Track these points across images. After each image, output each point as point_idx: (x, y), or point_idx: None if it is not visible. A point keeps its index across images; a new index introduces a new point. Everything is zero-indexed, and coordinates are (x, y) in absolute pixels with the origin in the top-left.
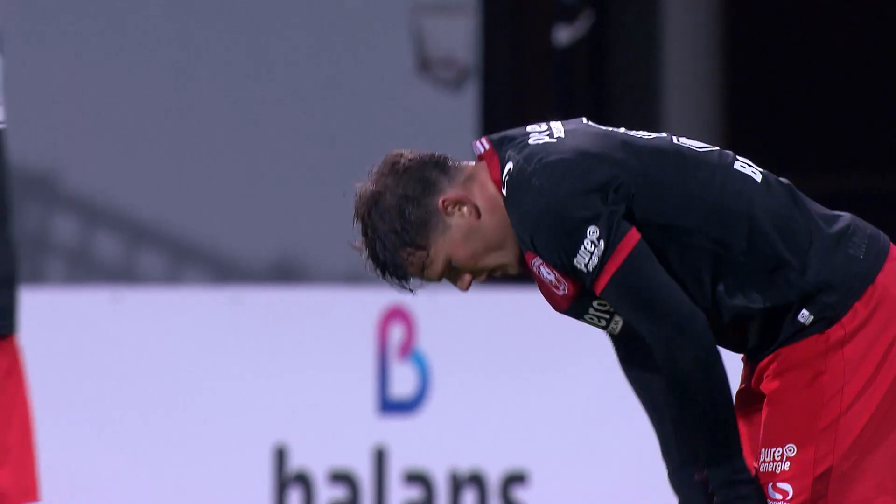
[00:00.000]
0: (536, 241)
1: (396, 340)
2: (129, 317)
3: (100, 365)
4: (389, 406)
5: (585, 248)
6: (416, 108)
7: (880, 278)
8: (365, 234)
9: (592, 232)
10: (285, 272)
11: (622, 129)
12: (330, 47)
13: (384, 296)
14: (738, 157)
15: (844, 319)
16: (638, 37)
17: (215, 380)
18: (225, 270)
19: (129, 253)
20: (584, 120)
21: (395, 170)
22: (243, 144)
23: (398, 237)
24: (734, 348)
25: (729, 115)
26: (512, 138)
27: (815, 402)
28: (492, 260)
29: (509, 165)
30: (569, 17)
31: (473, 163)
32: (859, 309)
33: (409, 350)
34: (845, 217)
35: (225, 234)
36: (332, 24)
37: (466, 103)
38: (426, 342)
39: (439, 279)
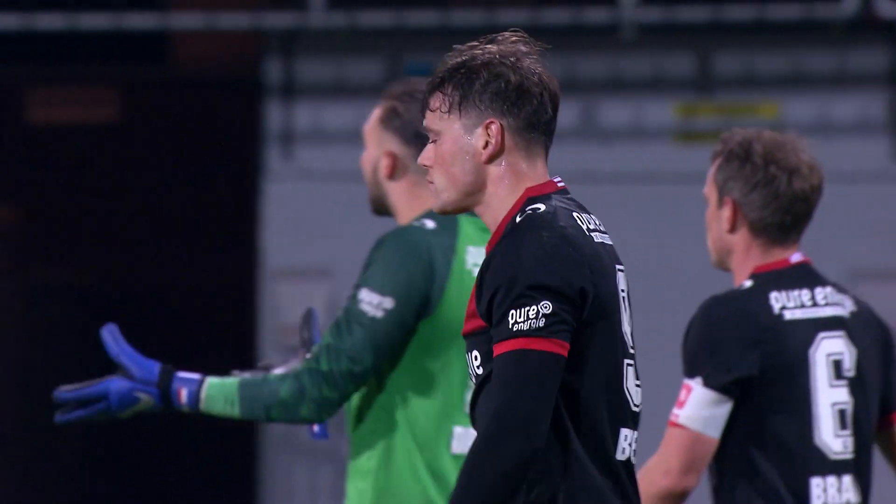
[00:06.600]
0: (493, 261)
1: None
2: None
3: None
4: None
5: (528, 311)
6: None
7: None
8: (455, 57)
9: (545, 307)
10: None
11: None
12: None
13: None
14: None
15: None
16: None
17: None
18: None
19: None
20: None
21: (525, 74)
22: None
23: (454, 81)
24: None
25: None
26: (568, 197)
27: None
28: (440, 182)
29: (540, 206)
30: None
31: (540, 168)
32: None
33: None
34: None
35: None
36: None
37: None
38: None
39: (424, 131)
